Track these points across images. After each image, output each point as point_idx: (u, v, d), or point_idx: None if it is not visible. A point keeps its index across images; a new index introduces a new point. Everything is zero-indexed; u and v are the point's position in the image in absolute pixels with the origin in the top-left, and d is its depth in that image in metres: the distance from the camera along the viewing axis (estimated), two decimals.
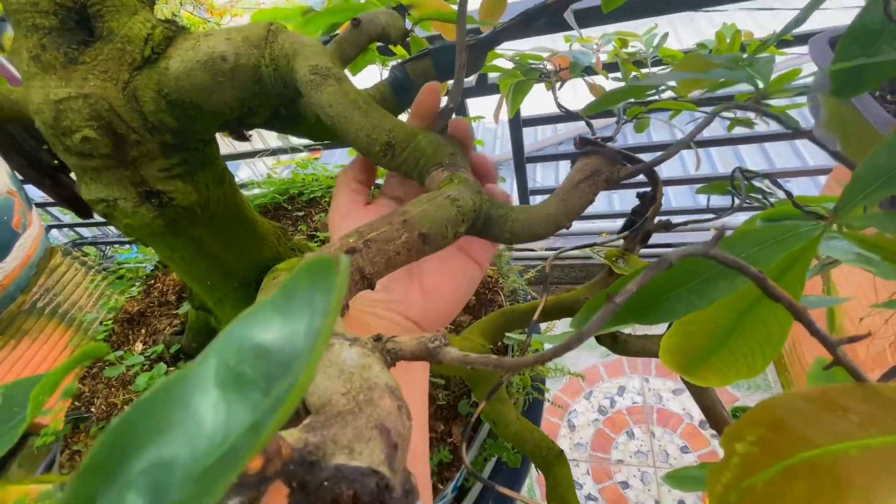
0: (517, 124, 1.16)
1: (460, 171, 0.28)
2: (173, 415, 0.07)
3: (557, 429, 1.41)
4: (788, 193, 0.44)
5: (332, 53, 0.30)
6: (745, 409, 0.43)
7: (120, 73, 0.27)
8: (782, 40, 0.54)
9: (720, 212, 0.50)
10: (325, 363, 0.13)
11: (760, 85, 0.27)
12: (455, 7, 0.62)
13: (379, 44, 0.52)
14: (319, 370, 0.13)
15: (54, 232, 2.01)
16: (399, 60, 0.50)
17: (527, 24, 0.44)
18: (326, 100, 0.29)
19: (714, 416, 0.38)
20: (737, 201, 0.49)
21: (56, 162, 1.26)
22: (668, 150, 0.24)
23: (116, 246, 2.07)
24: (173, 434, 0.06)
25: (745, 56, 0.31)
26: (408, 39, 0.60)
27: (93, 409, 0.58)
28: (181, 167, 0.33)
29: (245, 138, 0.43)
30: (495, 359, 0.13)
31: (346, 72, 0.44)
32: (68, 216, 2.02)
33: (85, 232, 2.08)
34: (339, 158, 0.85)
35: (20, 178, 1.24)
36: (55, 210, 1.91)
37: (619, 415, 1.41)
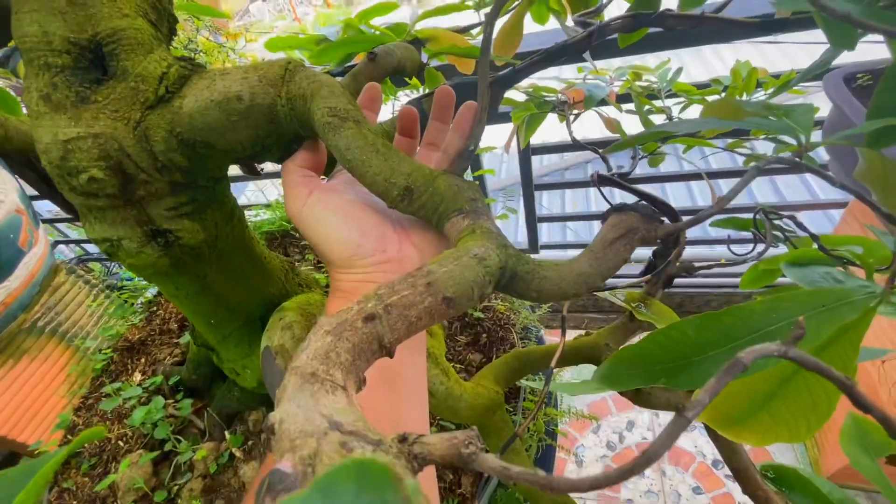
0: (527, 154, 1.15)
1: (481, 219, 0.27)
2: None
3: (564, 464, 1.36)
4: (814, 236, 0.42)
5: (349, 93, 0.29)
6: (778, 466, 0.40)
7: (132, 113, 0.26)
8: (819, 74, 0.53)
9: (743, 254, 0.48)
10: None
11: (803, 139, 0.25)
12: (470, 40, 0.62)
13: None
14: None
15: (61, 247, 2.01)
16: (415, 94, 0.49)
17: (548, 63, 0.43)
18: (344, 143, 0.27)
19: (746, 478, 0.35)
20: (760, 244, 0.48)
21: None
22: (700, 214, 0.22)
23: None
24: None
25: (778, 104, 0.30)
26: (423, 71, 0.60)
27: (85, 445, 0.56)
28: (190, 206, 0.31)
29: (257, 172, 0.42)
30: (543, 477, 0.11)
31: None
32: (75, 232, 2.02)
33: (91, 248, 2.08)
34: None
35: (33, 193, 1.25)
36: (62, 226, 1.92)
37: (628, 451, 1.36)
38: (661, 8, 0.42)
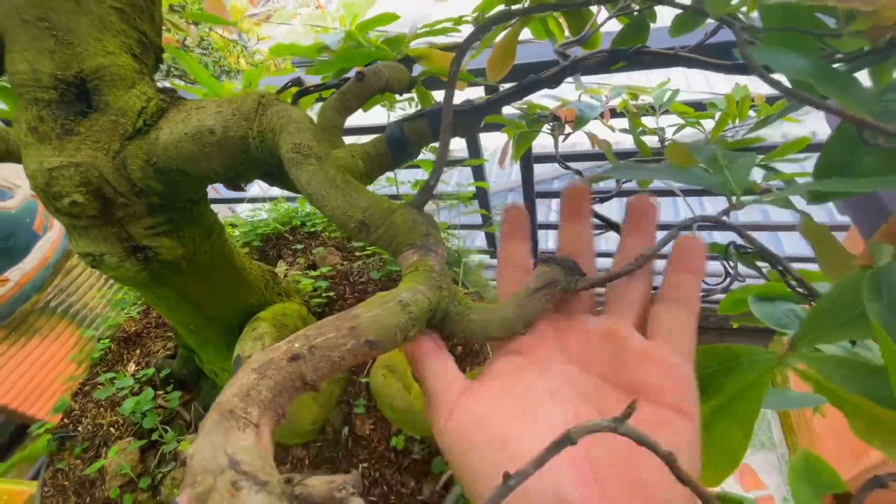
0: (528, 162, 1.16)
1: (430, 255, 0.29)
2: None
3: None
4: (784, 272, 0.43)
5: (315, 130, 0.31)
6: (727, 496, 0.42)
7: (111, 144, 0.29)
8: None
9: (712, 288, 0.49)
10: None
11: (734, 199, 0.27)
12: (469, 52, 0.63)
13: None
14: None
15: None
16: (395, 120, 0.51)
17: (522, 95, 0.45)
18: (305, 178, 0.29)
19: None
20: (727, 279, 0.49)
21: None
22: (617, 271, 0.24)
23: None
24: None
25: (727, 154, 0.31)
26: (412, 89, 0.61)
27: (80, 429, 0.60)
28: (167, 225, 0.34)
29: (241, 189, 0.44)
30: None
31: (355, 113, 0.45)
32: None
33: None
34: None
35: None
36: None
37: None
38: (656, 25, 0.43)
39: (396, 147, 0.49)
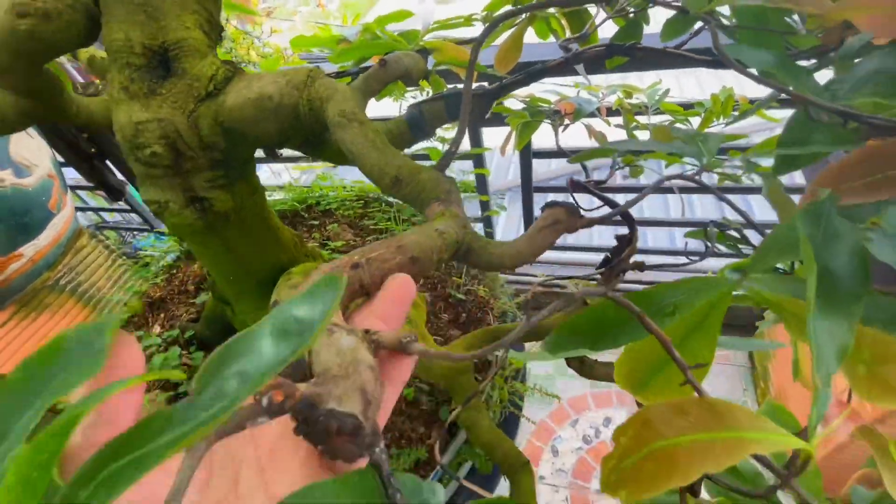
0: (527, 157, 1.22)
1: (453, 206, 0.34)
2: (248, 348, 0.12)
3: (541, 453, 1.44)
4: (755, 249, 0.49)
5: (357, 99, 0.37)
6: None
7: (187, 104, 0.34)
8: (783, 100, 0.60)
9: (692, 255, 0.56)
10: (327, 344, 0.19)
11: (704, 160, 0.32)
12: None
13: None
14: (323, 348, 0.19)
15: (79, 214, 2.10)
16: (414, 101, 0.57)
17: (530, 81, 0.50)
18: (350, 138, 0.35)
19: None
20: (709, 249, 0.55)
21: (93, 149, 1.36)
22: (625, 204, 0.30)
23: (136, 232, 2.17)
24: (248, 357, 0.12)
25: (701, 133, 0.37)
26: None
27: None
28: (223, 179, 0.39)
29: (277, 157, 0.49)
30: (446, 353, 0.18)
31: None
32: (94, 201, 2.12)
33: (108, 217, 2.18)
34: (356, 174, 0.91)
35: (61, 160, 1.33)
36: (83, 194, 2.01)
37: (602, 445, 1.44)
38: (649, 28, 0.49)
39: (415, 126, 0.55)
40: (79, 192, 1.94)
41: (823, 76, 0.34)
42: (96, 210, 2.09)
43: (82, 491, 0.10)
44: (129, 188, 1.62)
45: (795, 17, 0.39)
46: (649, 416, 0.19)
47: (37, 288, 1.27)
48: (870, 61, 0.32)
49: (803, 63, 0.38)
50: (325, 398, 0.17)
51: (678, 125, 0.66)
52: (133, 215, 2.11)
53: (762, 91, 0.46)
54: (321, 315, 0.13)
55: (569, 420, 1.50)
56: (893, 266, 0.20)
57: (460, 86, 0.69)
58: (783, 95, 0.35)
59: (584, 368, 0.47)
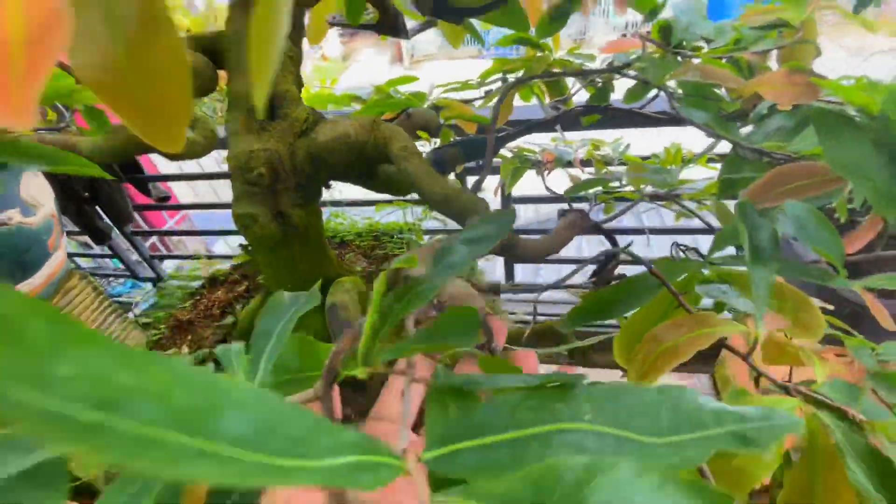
0: (507, 202, 1.37)
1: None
2: (452, 250, 0.22)
3: None
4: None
5: (411, 139, 0.48)
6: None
7: (288, 138, 0.45)
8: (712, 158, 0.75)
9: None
10: (453, 282, 0.29)
11: (669, 180, 0.45)
12: (473, 111, 0.83)
13: None
14: (450, 284, 0.28)
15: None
16: (436, 146, 0.69)
17: (529, 132, 0.64)
18: (412, 168, 0.46)
19: None
20: None
21: (86, 194, 1.44)
22: (620, 211, 0.41)
23: (112, 279, 2.14)
24: (451, 254, 0.22)
25: (669, 168, 0.51)
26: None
27: None
28: (302, 199, 0.49)
29: (328, 188, 0.59)
30: (502, 323, 0.28)
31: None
32: (71, 245, 2.10)
33: (83, 263, 2.15)
34: (368, 212, 1.01)
35: None
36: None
37: None
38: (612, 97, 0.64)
39: (438, 165, 0.67)
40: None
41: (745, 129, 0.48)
42: (71, 256, 2.06)
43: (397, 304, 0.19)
44: (115, 232, 1.64)
45: (723, 89, 0.54)
46: (656, 333, 0.30)
47: None
48: (773, 120, 0.47)
49: (734, 122, 0.54)
50: (456, 304, 0.26)
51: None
52: (107, 261, 2.09)
53: (700, 146, 0.62)
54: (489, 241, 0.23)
55: None
56: (790, 236, 0.32)
57: (470, 134, 0.82)
58: (717, 148, 0.50)
59: (585, 358, 0.57)
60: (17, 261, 1.17)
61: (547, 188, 0.85)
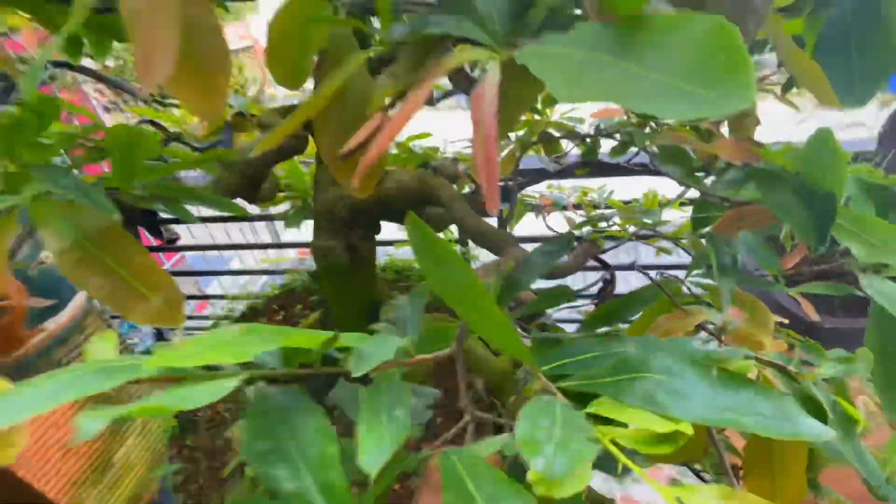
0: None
1: (518, 250, 0.58)
2: None
3: None
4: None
5: (454, 189, 0.61)
6: None
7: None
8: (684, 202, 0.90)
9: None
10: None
11: (655, 220, 0.59)
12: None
13: None
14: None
15: None
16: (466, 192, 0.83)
17: (541, 180, 0.78)
18: (458, 210, 0.59)
19: None
20: None
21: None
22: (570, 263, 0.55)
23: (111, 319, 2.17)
24: None
25: (653, 210, 0.65)
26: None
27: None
28: (366, 234, 0.61)
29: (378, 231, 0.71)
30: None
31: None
32: None
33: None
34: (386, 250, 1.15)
35: None
36: None
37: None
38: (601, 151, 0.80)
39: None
40: None
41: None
42: None
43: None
44: None
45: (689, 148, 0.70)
46: (658, 322, 0.42)
47: (52, 363, 1.28)
48: (728, 174, 0.62)
49: (699, 174, 0.69)
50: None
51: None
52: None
53: (672, 193, 0.77)
54: None
55: None
56: (747, 250, 0.46)
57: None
58: (688, 193, 0.64)
59: None
60: (48, 299, 1.22)
61: (548, 227, 1.00)
